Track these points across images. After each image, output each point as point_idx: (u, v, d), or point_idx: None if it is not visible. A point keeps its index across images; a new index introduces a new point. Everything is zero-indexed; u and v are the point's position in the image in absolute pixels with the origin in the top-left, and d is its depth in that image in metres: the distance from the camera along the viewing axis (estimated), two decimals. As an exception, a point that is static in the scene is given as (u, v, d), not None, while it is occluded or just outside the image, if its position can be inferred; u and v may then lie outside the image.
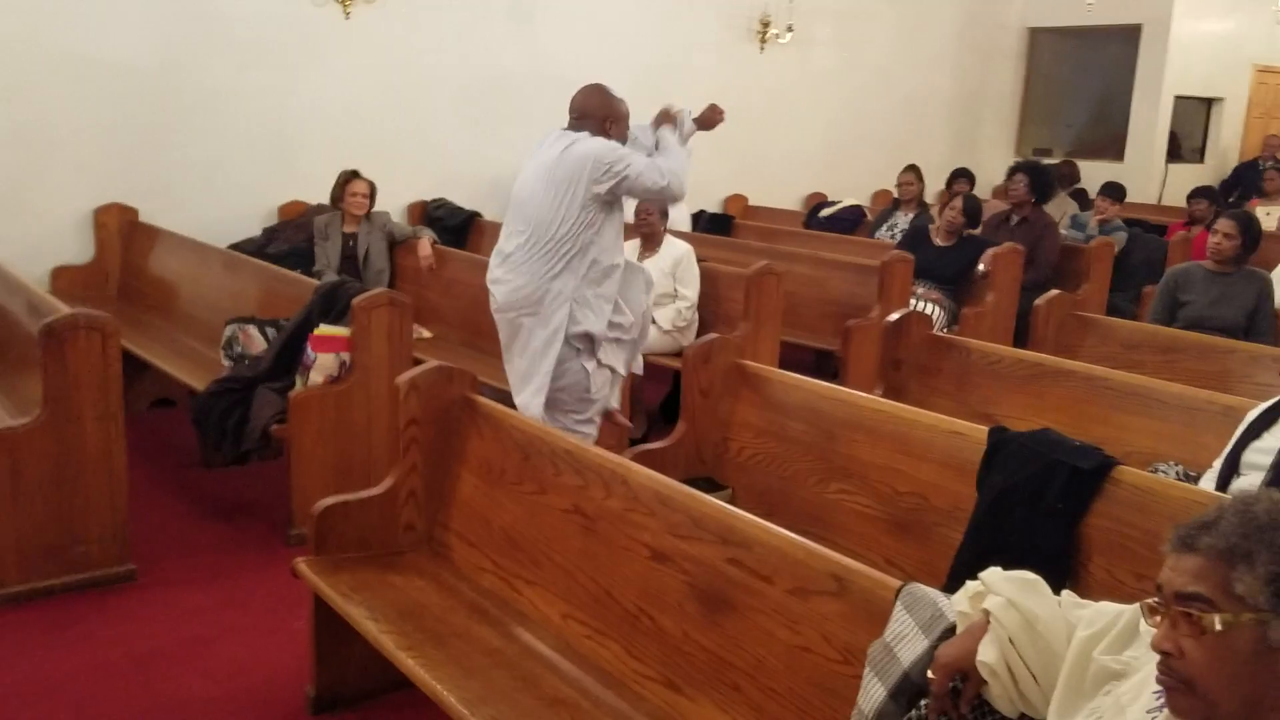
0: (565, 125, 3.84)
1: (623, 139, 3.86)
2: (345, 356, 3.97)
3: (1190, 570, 1.28)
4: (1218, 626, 1.25)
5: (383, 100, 6.95)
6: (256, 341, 4.45)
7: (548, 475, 2.70)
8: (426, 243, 5.83)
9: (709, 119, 4.26)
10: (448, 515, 2.98)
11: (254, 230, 6.47)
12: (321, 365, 3.92)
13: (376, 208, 5.94)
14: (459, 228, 7.12)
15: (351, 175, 5.77)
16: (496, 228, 7.20)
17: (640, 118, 8.95)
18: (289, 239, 6.22)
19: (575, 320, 3.70)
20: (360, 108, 6.86)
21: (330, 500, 2.87)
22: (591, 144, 3.67)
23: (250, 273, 5.19)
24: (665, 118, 4.08)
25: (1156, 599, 1.32)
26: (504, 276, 3.80)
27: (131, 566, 3.64)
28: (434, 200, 7.28)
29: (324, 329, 3.96)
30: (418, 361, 4.31)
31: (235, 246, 6.16)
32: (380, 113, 6.95)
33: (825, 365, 6.12)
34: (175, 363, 4.79)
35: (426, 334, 5.56)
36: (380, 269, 5.87)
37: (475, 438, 2.95)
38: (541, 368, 3.71)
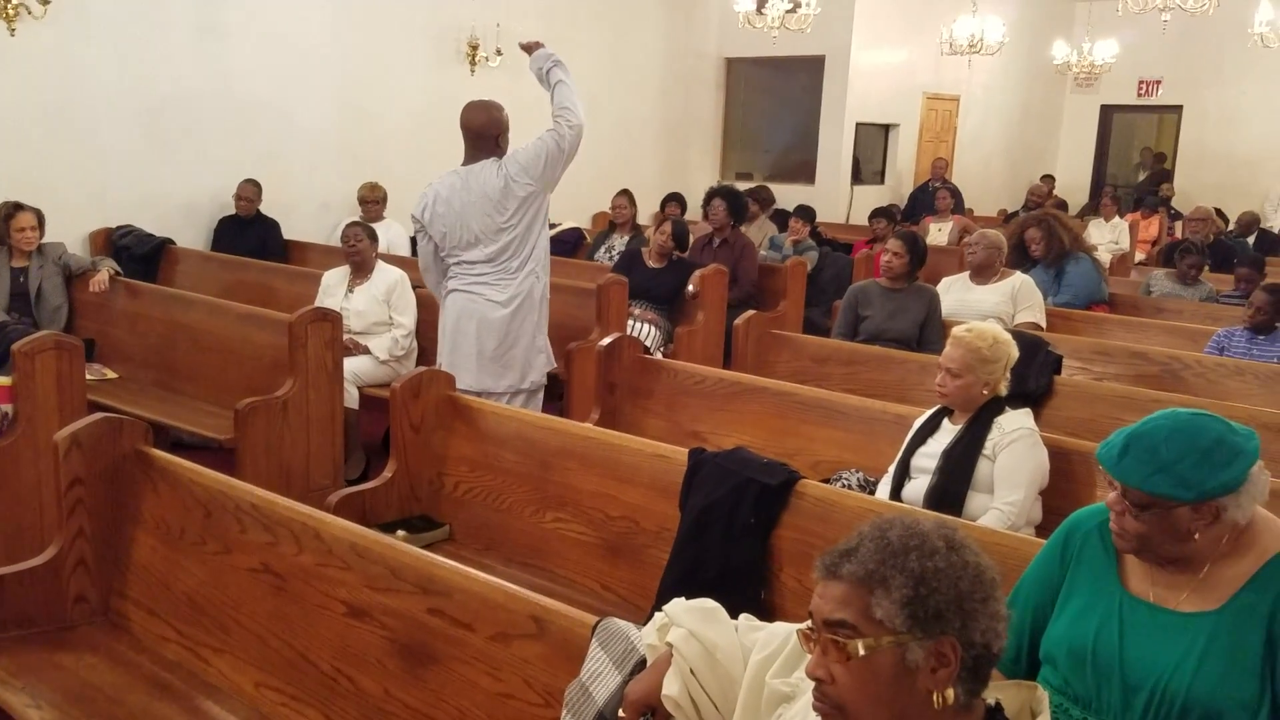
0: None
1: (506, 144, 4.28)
2: (7, 408, 3.58)
3: (835, 597, 1.34)
4: (861, 651, 1.30)
5: (56, 122, 6.33)
6: (-101, 396, 3.92)
7: (233, 533, 2.53)
8: (104, 273, 5.36)
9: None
10: (124, 583, 2.72)
11: (-91, 268, 5.73)
12: (-23, 420, 3.51)
13: (51, 238, 5.40)
14: (149, 256, 6.60)
15: (14, 209, 5.20)
16: (192, 255, 6.80)
17: (346, 139, 8.63)
18: (-52, 276, 5.54)
19: None
20: (31, 130, 6.22)
21: (-20, 577, 2.56)
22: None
23: (-108, 316, 4.57)
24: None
25: (809, 626, 1.37)
26: None
27: None
28: (120, 227, 6.70)
29: (-22, 379, 3.55)
30: (98, 407, 3.96)
31: (-115, 287, 5.43)
32: (54, 135, 6.32)
33: (553, 388, 6.15)
34: None
35: (110, 374, 5.11)
36: (57, 305, 5.34)
37: (151, 495, 2.72)
38: None
